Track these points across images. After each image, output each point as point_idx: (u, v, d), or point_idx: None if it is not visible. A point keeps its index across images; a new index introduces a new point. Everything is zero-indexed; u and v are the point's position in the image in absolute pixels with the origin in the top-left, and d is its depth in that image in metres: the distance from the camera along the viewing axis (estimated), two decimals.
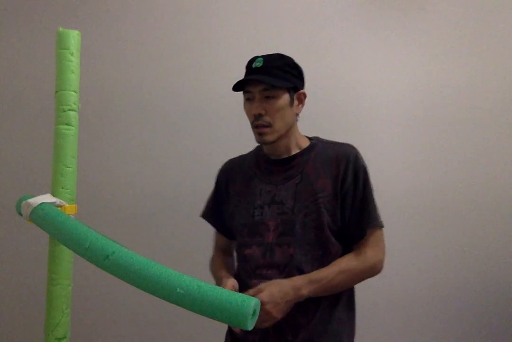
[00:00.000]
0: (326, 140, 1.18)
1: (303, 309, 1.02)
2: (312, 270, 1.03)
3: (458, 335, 2.10)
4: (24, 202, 0.83)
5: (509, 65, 2.20)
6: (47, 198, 0.83)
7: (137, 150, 1.84)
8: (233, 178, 1.22)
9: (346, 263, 1.03)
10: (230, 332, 1.17)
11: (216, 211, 1.27)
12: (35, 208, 0.80)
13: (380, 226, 1.08)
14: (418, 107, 2.12)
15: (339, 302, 1.08)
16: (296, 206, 1.06)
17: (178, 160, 1.87)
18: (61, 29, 0.86)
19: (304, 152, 1.13)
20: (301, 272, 1.04)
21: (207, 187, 1.87)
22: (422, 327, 2.01)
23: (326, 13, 2.01)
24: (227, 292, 0.58)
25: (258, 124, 1.07)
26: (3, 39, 1.73)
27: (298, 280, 0.97)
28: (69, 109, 0.86)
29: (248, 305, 0.56)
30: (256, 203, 1.11)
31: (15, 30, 1.74)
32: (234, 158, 1.29)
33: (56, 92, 0.86)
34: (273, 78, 1.04)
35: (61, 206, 0.83)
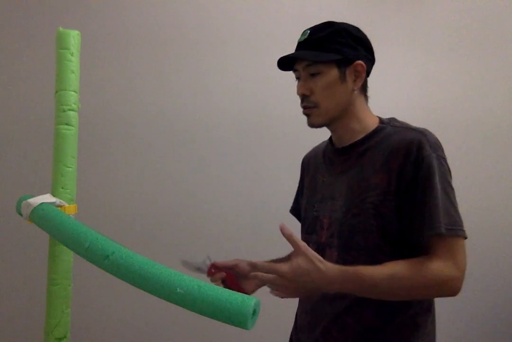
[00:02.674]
0: (401, 123, 0.95)
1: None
2: None
3: (456, 334, 2.10)
4: (24, 202, 0.83)
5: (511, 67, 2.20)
6: (47, 198, 0.83)
7: (137, 150, 1.84)
8: (308, 169, 1.11)
9: (400, 269, 0.80)
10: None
11: (297, 204, 1.16)
12: (35, 208, 0.80)
13: (456, 234, 0.83)
14: (419, 109, 2.12)
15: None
16: (345, 204, 0.90)
17: (178, 160, 1.87)
18: (61, 29, 0.86)
19: (365, 139, 0.94)
20: None
21: (207, 186, 1.87)
22: None
23: (323, 14, 2.01)
24: (227, 292, 0.58)
25: (305, 106, 0.94)
26: (3, 39, 1.73)
27: (330, 272, 0.78)
28: (69, 109, 0.86)
29: (248, 305, 0.56)
30: (317, 197, 1.00)
31: (15, 30, 1.74)
32: (315, 146, 1.15)
33: (56, 92, 0.86)
34: (314, 52, 0.90)
35: (61, 206, 0.83)
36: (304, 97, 0.94)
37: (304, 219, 1.03)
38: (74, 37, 0.86)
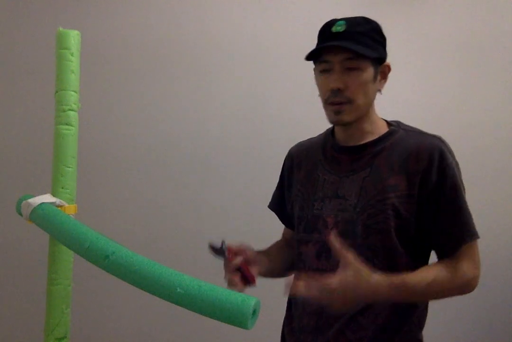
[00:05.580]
0: (410, 127, 0.97)
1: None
2: None
3: (457, 335, 2.10)
4: (24, 202, 0.83)
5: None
6: (47, 198, 0.83)
7: (137, 150, 1.84)
8: (298, 163, 1.07)
9: (438, 274, 0.86)
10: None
11: (280, 199, 1.13)
12: (35, 208, 0.80)
13: (477, 238, 0.89)
14: (417, 111, 2.12)
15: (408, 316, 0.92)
16: (359, 204, 0.90)
17: (179, 160, 1.87)
18: (61, 29, 0.86)
19: (379, 140, 0.94)
20: None
21: (207, 187, 1.86)
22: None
23: (323, 15, 2.00)
24: (227, 292, 0.58)
25: (336, 101, 0.89)
26: (3, 39, 1.73)
27: (378, 284, 0.80)
28: (69, 109, 0.86)
29: (248, 304, 0.56)
30: (317, 195, 0.97)
31: (15, 30, 1.74)
32: (304, 141, 1.13)
33: (56, 92, 0.86)
34: (359, 46, 0.87)
35: (61, 206, 0.83)
36: (337, 92, 0.89)
37: (300, 217, 1.00)
38: (74, 37, 0.86)
